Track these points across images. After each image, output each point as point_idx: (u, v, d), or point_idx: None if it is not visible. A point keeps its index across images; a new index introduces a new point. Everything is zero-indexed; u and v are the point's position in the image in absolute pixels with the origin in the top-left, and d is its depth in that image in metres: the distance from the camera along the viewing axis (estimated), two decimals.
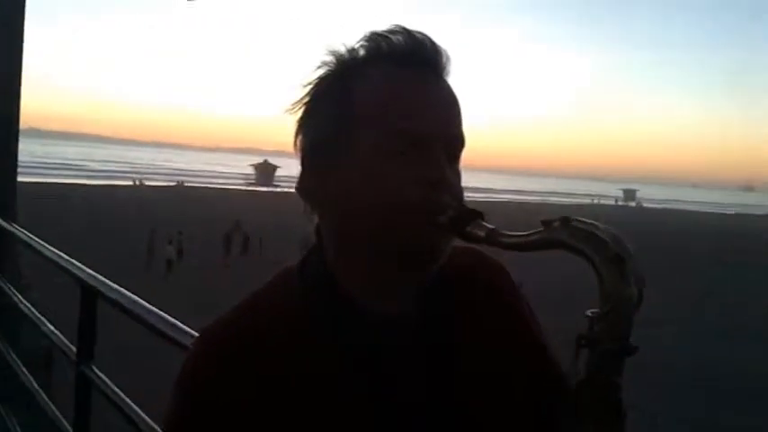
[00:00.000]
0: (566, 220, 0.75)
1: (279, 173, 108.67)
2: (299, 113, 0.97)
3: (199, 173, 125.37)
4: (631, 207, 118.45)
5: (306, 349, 0.89)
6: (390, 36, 0.92)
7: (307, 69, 1.00)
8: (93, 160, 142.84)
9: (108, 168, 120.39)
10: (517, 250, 0.81)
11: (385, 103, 0.89)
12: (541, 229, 0.78)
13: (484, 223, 0.85)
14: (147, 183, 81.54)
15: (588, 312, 0.73)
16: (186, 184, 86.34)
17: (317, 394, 0.87)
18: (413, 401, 0.89)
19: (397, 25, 0.93)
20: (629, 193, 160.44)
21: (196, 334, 1.97)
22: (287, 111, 0.99)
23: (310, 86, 0.97)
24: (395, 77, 0.91)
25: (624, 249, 0.72)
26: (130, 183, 78.96)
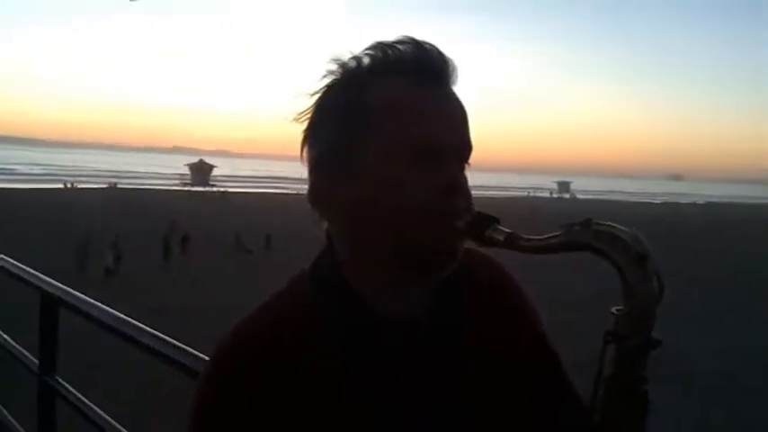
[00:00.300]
0: (587, 223, 0.80)
1: (215, 172, 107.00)
2: (307, 123, 1.00)
3: (132, 174, 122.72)
4: (566, 199, 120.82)
5: (317, 352, 0.92)
6: (399, 46, 0.95)
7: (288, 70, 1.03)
8: (20, 163, 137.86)
9: (36, 172, 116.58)
10: (538, 253, 0.84)
11: (398, 112, 0.92)
12: (562, 231, 0.82)
13: (501, 227, 0.89)
14: (79, 185, 79.22)
15: (613, 310, 0.78)
16: (119, 186, 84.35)
17: (325, 396, 0.90)
18: (420, 404, 0.92)
19: (405, 36, 0.96)
20: (564, 186, 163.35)
21: (167, 338, 1.98)
22: (294, 120, 1.01)
23: (318, 95, 0.99)
24: (406, 87, 0.93)
25: (645, 249, 0.77)
26: (61, 186, 76.56)
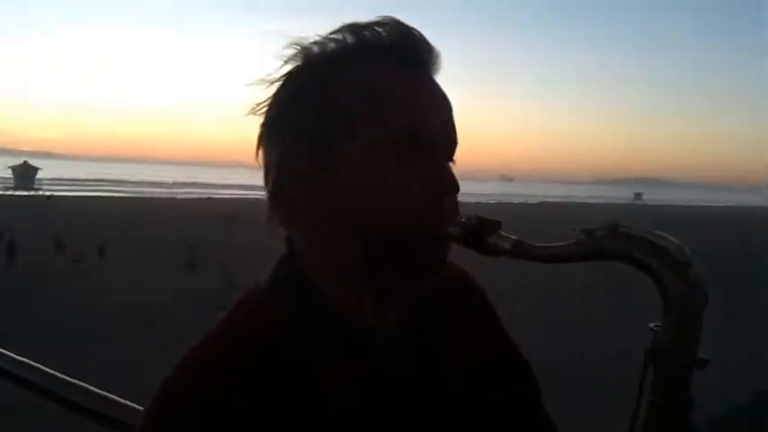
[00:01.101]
0: (614, 228, 0.71)
1: (40, 175, 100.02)
2: (267, 115, 0.86)
3: None
4: None
5: (296, 371, 0.80)
6: (378, 28, 0.83)
7: (265, 63, 0.88)
8: None
9: None
10: (553, 262, 0.75)
11: (384, 101, 0.81)
12: (583, 237, 0.72)
13: (505, 233, 0.79)
14: None
15: (651, 325, 0.69)
16: None
17: (311, 416, 0.79)
18: (407, 420, 0.84)
19: (386, 17, 0.84)
20: None
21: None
22: (251, 112, 0.87)
23: (281, 83, 0.86)
24: (392, 73, 0.83)
25: (686, 255, 0.69)
26: None
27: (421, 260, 0.82)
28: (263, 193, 0.88)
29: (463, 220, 0.81)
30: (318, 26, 0.89)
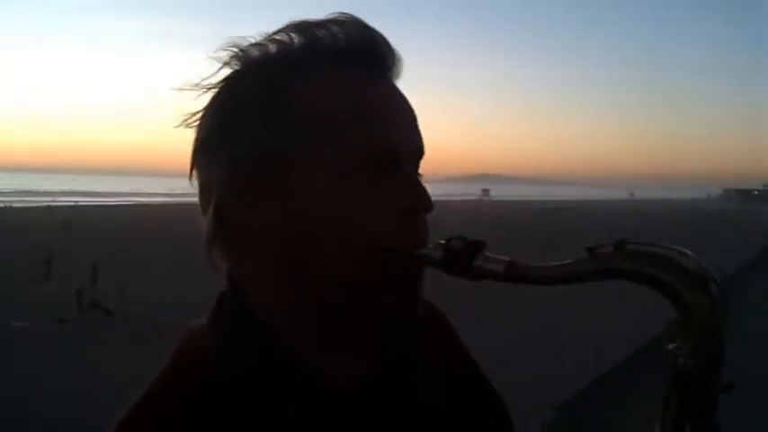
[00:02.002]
0: (620, 244, 0.65)
1: None
2: (203, 129, 0.74)
3: None
4: None
5: (252, 428, 0.69)
6: (335, 27, 0.72)
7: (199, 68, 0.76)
8: None
9: None
10: (555, 284, 0.68)
11: (345, 115, 0.71)
12: (587, 256, 0.66)
13: (490, 254, 0.70)
14: None
15: (670, 347, 0.63)
16: None
17: None
18: None
19: (341, 13, 0.73)
20: None
21: None
22: (183, 123, 0.74)
23: (219, 93, 0.74)
24: (354, 80, 0.72)
25: (705, 269, 0.63)
26: None
27: (399, 293, 0.72)
28: (202, 214, 0.75)
29: (443, 241, 0.72)
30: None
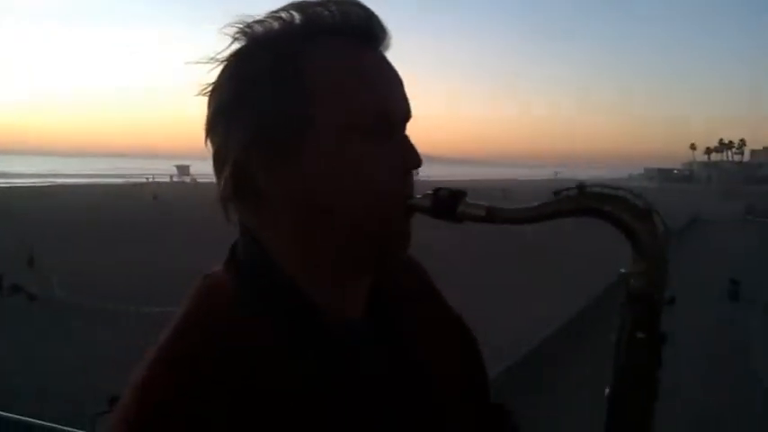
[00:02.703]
0: (581, 187, 0.77)
1: None
2: (218, 97, 0.82)
3: None
4: (186, 182, 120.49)
5: (276, 363, 0.77)
6: (334, 6, 0.81)
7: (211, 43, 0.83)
8: None
9: None
10: (528, 223, 0.79)
11: (347, 85, 0.80)
12: (555, 199, 0.77)
13: (472, 201, 0.82)
14: None
15: (622, 270, 0.76)
16: None
17: (297, 407, 0.76)
18: (386, 395, 0.84)
19: None
20: (183, 169, 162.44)
21: None
22: (199, 93, 0.83)
23: (231, 66, 0.82)
24: (353, 51, 0.82)
25: (648, 204, 0.76)
26: None
27: (392, 236, 0.83)
28: (215, 175, 0.83)
29: (430, 192, 0.83)
30: None
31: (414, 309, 0.95)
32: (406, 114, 0.85)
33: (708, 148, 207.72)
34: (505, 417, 1.06)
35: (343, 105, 0.79)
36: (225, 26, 0.81)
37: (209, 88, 0.83)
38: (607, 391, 0.77)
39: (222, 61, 0.82)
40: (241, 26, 0.81)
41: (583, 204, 0.76)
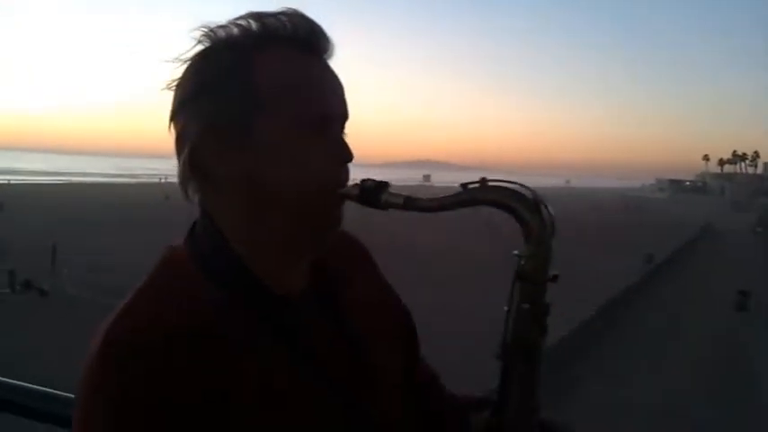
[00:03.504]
0: (483, 181, 0.90)
1: None
2: (182, 90, 0.94)
3: None
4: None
5: (228, 333, 0.88)
6: (282, 17, 0.94)
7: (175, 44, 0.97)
8: None
9: None
10: (438, 211, 0.93)
11: (294, 86, 0.92)
12: (461, 191, 0.91)
13: (394, 191, 0.94)
14: None
15: (515, 252, 0.90)
16: None
17: (248, 374, 0.87)
18: (331, 361, 0.95)
19: (288, 8, 0.96)
20: None
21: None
22: (167, 87, 0.95)
23: (193, 64, 0.94)
24: (300, 60, 0.94)
25: (539, 197, 0.90)
26: None
27: (327, 219, 0.96)
28: (176, 160, 0.95)
29: (359, 182, 0.95)
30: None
31: (351, 283, 1.06)
32: (343, 115, 0.98)
33: (721, 160, 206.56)
34: (435, 385, 1.19)
35: (289, 103, 0.91)
36: (192, 30, 0.94)
37: (175, 83, 0.95)
38: (498, 351, 0.91)
39: (187, 60, 0.95)
40: (206, 30, 0.94)
41: (483, 196, 0.90)
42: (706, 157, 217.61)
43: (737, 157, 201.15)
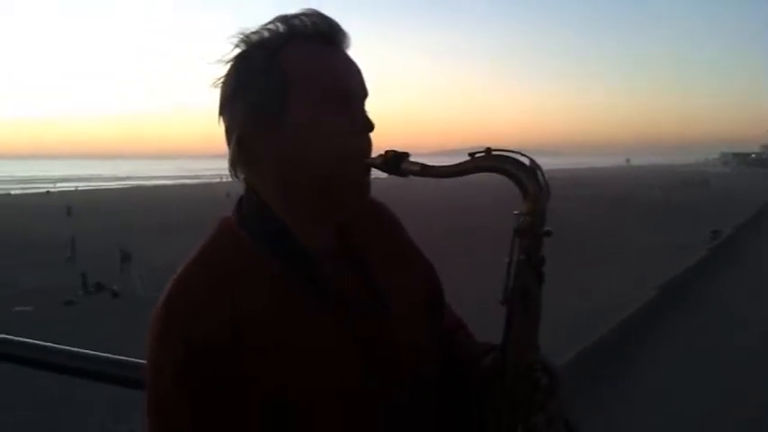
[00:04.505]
0: (488, 150, 1.04)
1: None
2: (227, 87, 1.11)
3: None
4: None
5: (269, 283, 1.05)
6: (304, 18, 1.11)
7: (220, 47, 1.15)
8: None
9: None
10: (451, 177, 1.07)
11: (317, 72, 1.09)
12: (469, 159, 1.05)
13: (413, 160, 1.09)
14: None
15: (515, 212, 1.04)
16: None
17: (287, 316, 1.03)
18: (357, 307, 1.10)
19: (308, 9, 1.13)
20: None
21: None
22: (212, 85, 1.13)
23: (233, 65, 1.12)
24: (322, 51, 1.11)
25: (535, 164, 1.03)
26: None
27: (352, 185, 1.11)
28: (227, 146, 1.12)
29: (382, 153, 1.10)
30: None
31: (376, 242, 1.21)
32: (363, 93, 1.13)
33: None
34: (462, 333, 1.33)
35: (315, 86, 1.07)
36: (231, 36, 1.12)
37: (221, 81, 1.12)
38: (501, 299, 1.05)
39: (228, 61, 1.12)
40: (242, 35, 1.12)
41: (488, 163, 1.04)
42: None
43: None
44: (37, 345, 1.87)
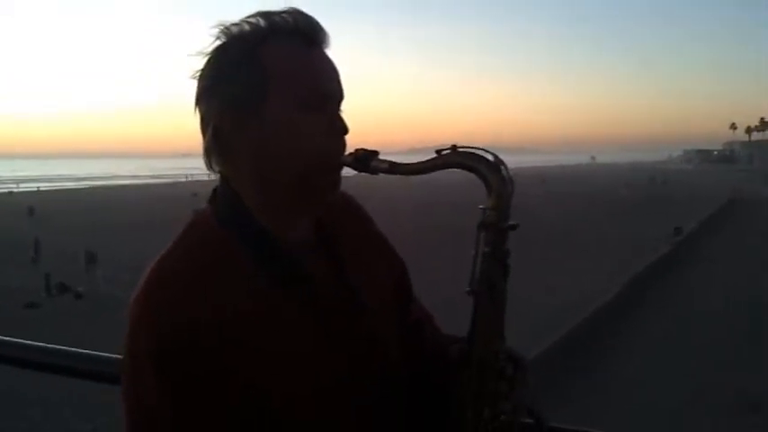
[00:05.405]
0: (454, 147, 1.07)
1: None
2: (205, 79, 1.12)
3: None
4: None
5: (243, 278, 1.06)
6: (288, 15, 1.12)
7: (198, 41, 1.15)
8: None
9: None
10: (418, 174, 1.10)
11: (296, 70, 1.09)
12: (435, 156, 1.08)
13: (382, 158, 1.11)
14: None
15: (480, 206, 1.07)
16: None
17: (262, 308, 1.04)
18: (331, 300, 1.11)
19: (290, 6, 1.13)
20: None
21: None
22: (192, 76, 1.13)
23: (212, 56, 1.12)
24: (299, 48, 1.11)
25: (499, 160, 1.06)
26: None
27: (325, 182, 1.13)
28: (202, 137, 1.12)
29: (352, 151, 1.12)
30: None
31: (348, 235, 1.22)
32: (339, 94, 1.14)
33: (749, 128, 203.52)
34: (428, 325, 1.35)
35: (293, 84, 1.08)
36: (211, 27, 1.12)
37: (198, 73, 1.13)
38: (468, 289, 1.08)
39: (208, 54, 1.12)
40: (222, 27, 1.12)
41: (454, 160, 1.07)
42: (733, 126, 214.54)
43: (766, 125, 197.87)
44: None
